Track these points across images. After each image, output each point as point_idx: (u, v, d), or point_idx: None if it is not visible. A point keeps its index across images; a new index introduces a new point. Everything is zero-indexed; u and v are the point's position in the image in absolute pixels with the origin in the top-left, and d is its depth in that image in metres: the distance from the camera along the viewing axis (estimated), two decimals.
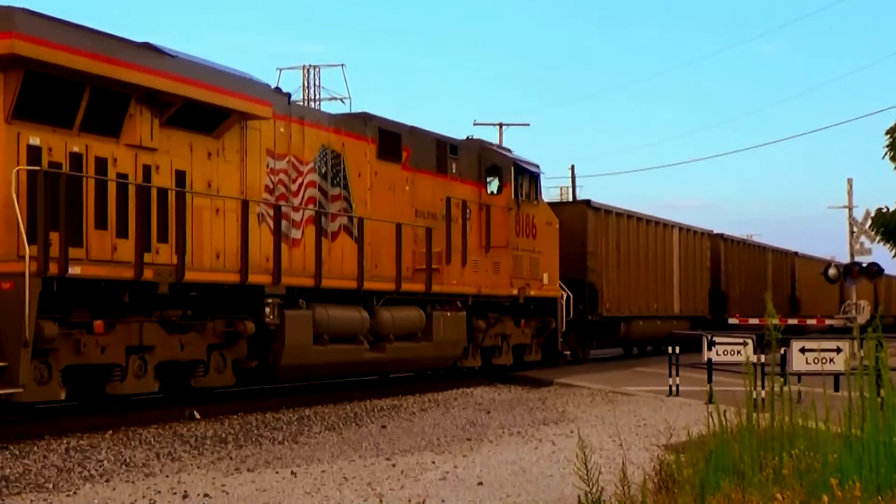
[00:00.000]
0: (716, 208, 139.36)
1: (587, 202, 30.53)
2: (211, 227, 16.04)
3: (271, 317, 16.76)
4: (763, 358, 15.24)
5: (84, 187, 13.97)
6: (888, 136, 32.86)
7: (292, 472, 10.56)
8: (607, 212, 30.80)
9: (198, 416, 15.30)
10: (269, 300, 16.75)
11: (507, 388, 22.35)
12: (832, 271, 38.24)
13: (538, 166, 26.34)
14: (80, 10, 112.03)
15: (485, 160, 24.23)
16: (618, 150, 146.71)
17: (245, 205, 16.34)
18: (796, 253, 48.66)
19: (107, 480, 10.22)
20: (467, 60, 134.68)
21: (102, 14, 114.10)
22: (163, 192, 15.08)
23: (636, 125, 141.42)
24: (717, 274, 38.89)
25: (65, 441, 12.61)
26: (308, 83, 54.62)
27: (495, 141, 50.63)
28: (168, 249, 15.04)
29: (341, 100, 52.91)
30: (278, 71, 62.43)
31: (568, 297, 26.69)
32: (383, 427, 14.80)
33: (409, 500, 8.94)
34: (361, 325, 19.11)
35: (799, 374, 15.60)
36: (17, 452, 11.70)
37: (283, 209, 17.48)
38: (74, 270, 13.34)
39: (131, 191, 14.49)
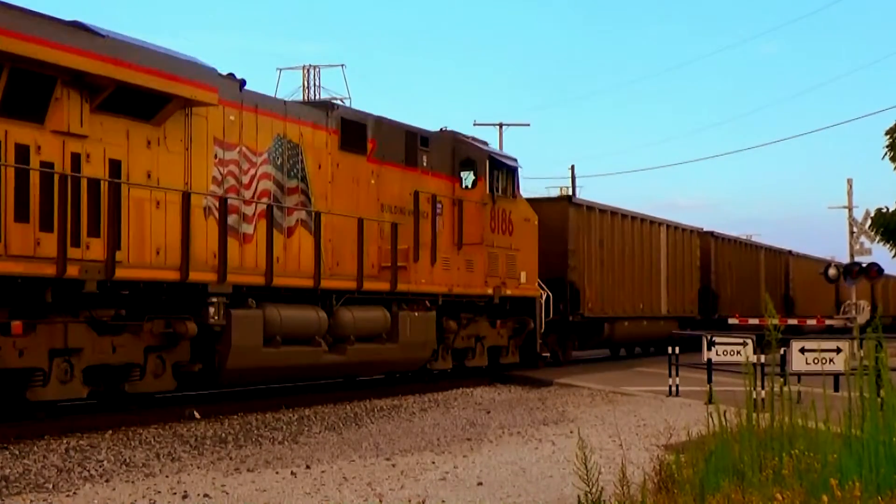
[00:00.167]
0: (716, 208, 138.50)
1: (568, 198, 29.62)
2: (151, 222, 14.96)
3: (216, 317, 15.67)
4: (763, 358, 15.27)
5: (3, 176, 12.89)
6: (888, 136, 32.63)
7: (292, 473, 10.54)
8: (590, 208, 29.71)
9: (198, 415, 15.02)
10: (214, 299, 15.67)
11: (507, 388, 22.16)
12: (832, 271, 37.68)
13: (516, 160, 25.29)
14: (80, 10, 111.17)
15: (459, 153, 23.10)
16: (618, 150, 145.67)
17: (186, 197, 15.24)
18: (790, 252, 47.79)
19: (107, 480, 10.17)
20: (467, 60, 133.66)
21: (102, 14, 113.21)
22: (94, 183, 13.98)
23: (636, 125, 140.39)
24: (708, 273, 37.97)
25: (65, 441, 12.45)
26: (308, 83, 53.93)
27: (495, 141, 49.91)
28: (100, 245, 13.95)
29: (342, 100, 51.94)
30: (278, 71, 61.98)
31: (548, 296, 25.64)
32: (383, 427, 14.63)
33: (409, 501, 8.99)
34: (318, 326, 18.01)
35: (799, 375, 15.57)
36: (17, 452, 11.55)
37: (232, 202, 16.39)
38: None
39: (57, 181, 13.39)
